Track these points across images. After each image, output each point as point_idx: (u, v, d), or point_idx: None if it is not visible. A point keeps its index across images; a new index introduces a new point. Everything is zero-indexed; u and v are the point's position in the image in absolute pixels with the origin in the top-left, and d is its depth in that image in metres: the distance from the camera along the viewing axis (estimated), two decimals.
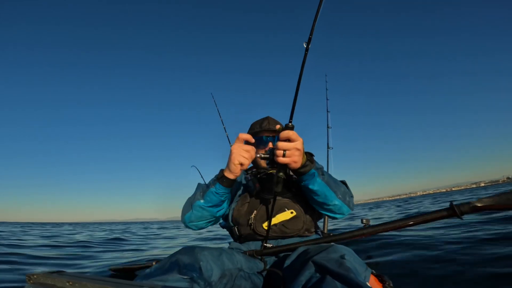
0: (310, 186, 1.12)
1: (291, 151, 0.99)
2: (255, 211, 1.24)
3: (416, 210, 8.92)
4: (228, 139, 2.66)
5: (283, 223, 1.21)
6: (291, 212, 1.22)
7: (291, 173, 1.18)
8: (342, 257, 0.82)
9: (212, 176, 1.44)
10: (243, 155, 1.05)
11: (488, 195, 0.88)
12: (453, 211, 0.90)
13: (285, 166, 1.03)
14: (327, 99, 3.21)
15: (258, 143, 1.36)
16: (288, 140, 0.99)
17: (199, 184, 1.36)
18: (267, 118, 1.46)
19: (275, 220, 1.21)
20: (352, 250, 0.92)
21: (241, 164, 1.06)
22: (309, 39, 0.98)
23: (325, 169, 1.35)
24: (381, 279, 1.11)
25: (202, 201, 1.18)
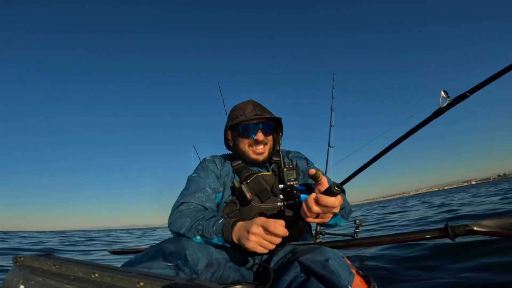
0: (328, 222, 1.00)
1: (325, 215, 0.86)
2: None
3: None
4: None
5: None
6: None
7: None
8: (327, 260, 0.83)
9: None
10: (265, 247, 0.86)
11: (489, 218, 0.81)
12: (446, 233, 0.86)
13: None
14: (332, 98, 3.21)
15: (246, 132, 1.24)
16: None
17: (190, 179, 1.25)
18: (250, 102, 1.30)
19: None
20: (338, 253, 0.92)
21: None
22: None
23: (323, 169, 1.32)
24: (366, 280, 1.13)
25: (199, 239, 0.99)
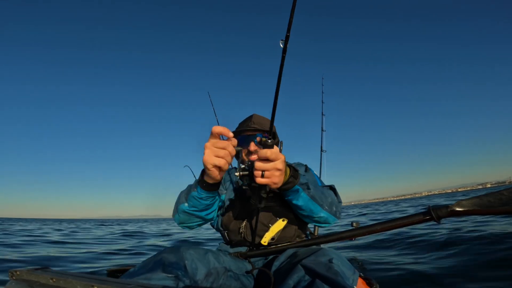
0: (294, 202, 1.07)
1: (270, 171, 0.88)
2: (245, 220, 1.20)
3: None
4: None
5: (278, 234, 1.17)
6: (283, 220, 1.18)
7: None
8: (330, 261, 0.82)
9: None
10: (218, 154, 0.85)
11: (468, 197, 0.85)
12: (430, 215, 0.87)
13: (265, 186, 0.93)
14: (322, 102, 3.22)
15: (242, 143, 1.31)
16: (267, 159, 0.87)
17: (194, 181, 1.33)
18: (252, 116, 1.41)
19: (271, 233, 1.17)
20: (340, 254, 0.92)
21: (219, 167, 0.87)
22: (287, 37, 0.79)
23: (317, 172, 1.33)
24: (368, 282, 1.12)
25: (186, 205, 1.08)
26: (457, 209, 0.84)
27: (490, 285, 1.90)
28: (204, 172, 0.95)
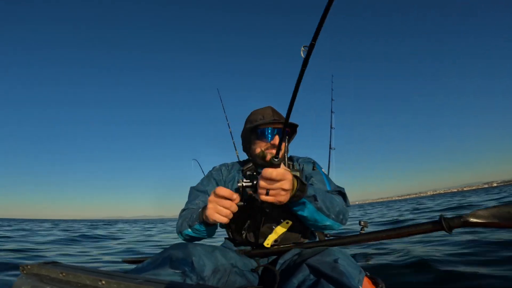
0: (299, 213, 1.02)
1: (275, 191, 0.84)
2: (248, 221, 1.18)
3: None
4: (232, 135, 2.68)
5: (281, 236, 1.16)
6: (287, 222, 1.15)
7: None
8: (336, 261, 0.82)
9: (211, 169, 1.42)
10: (220, 213, 0.89)
11: (485, 207, 0.80)
12: (440, 225, 0.84)
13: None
14: (332, 100, 3.21)
15: (263, 136, 1.27)
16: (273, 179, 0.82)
17: (191, 190, 1.32)
18: (269, 107, 1.36)
19: (275, 235, 1.15)
20: (347, 253, 0.91)
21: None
22: (311, 46, 0.67)
23: (326, 170, 1.28)
24: (374, 282, 1.12)
25: (190, 230, 1.08)
26: (472, 220, 0.81)
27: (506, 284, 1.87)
28: (205, 212, 0.97)
